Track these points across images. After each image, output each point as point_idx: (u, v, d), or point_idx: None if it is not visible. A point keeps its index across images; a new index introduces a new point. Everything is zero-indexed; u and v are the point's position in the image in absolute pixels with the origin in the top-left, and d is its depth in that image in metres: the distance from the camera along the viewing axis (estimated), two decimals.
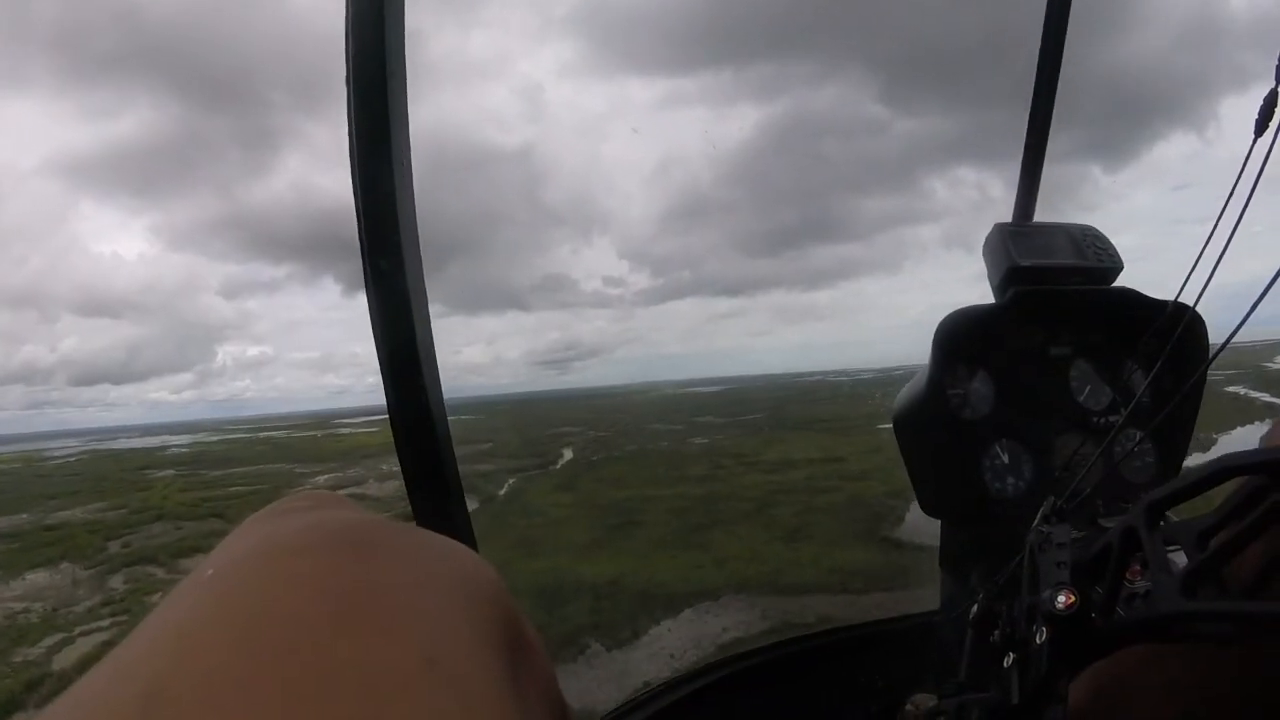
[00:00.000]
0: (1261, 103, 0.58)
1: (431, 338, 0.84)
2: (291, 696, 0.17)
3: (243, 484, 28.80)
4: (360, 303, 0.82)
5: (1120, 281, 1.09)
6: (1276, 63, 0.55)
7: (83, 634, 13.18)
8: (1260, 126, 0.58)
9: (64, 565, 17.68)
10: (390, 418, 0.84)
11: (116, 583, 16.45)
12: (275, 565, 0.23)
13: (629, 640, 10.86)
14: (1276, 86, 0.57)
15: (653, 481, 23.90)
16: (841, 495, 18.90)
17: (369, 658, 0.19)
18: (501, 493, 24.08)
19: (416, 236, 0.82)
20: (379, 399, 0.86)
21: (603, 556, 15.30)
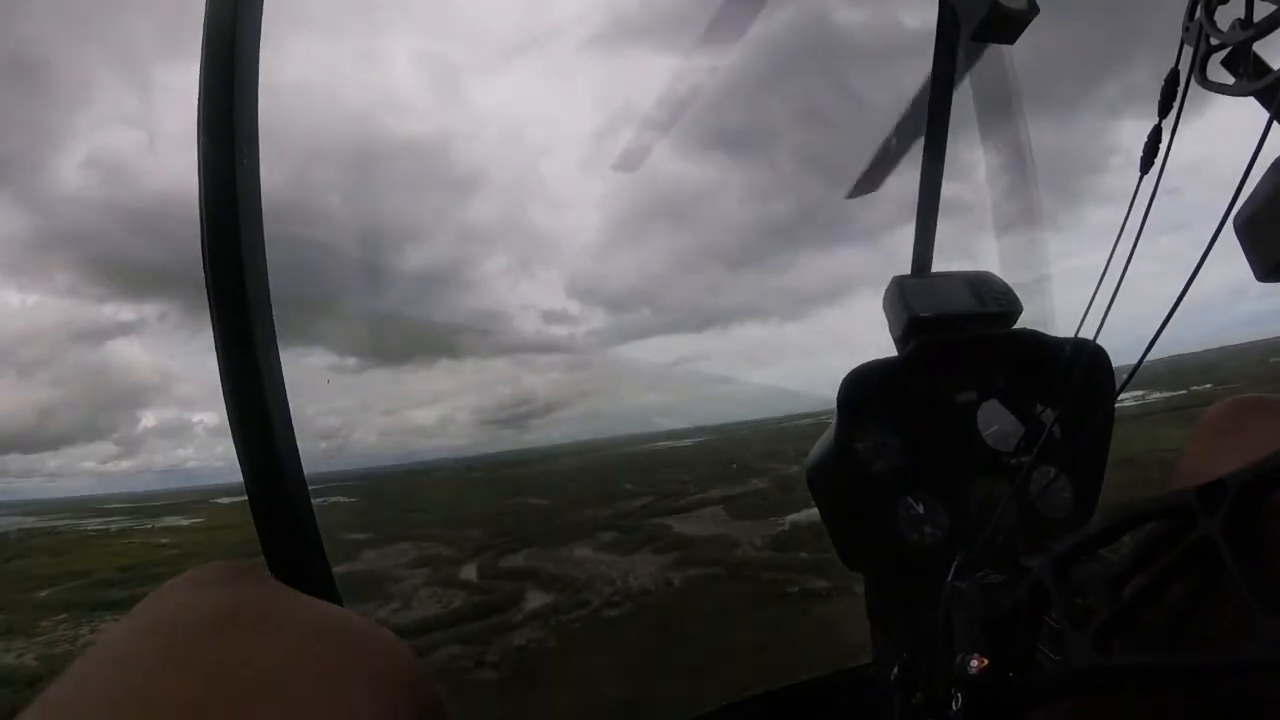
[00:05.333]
0: (1145, 140, 0.59)
1: (281, 375, 0.77)
2: None
3: None
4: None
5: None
6: (1158, 100, 0.57)
7: None
8: (1145, 164, 0.60)
9: None
10: (241, 469, 0.76)
11: None
12: (180, 646, 0.22)
13: None
14: (1159, 123, 0.58)
15: None
16: None
17: None
18: None
19: (263, 252, 0.76)
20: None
21: None
